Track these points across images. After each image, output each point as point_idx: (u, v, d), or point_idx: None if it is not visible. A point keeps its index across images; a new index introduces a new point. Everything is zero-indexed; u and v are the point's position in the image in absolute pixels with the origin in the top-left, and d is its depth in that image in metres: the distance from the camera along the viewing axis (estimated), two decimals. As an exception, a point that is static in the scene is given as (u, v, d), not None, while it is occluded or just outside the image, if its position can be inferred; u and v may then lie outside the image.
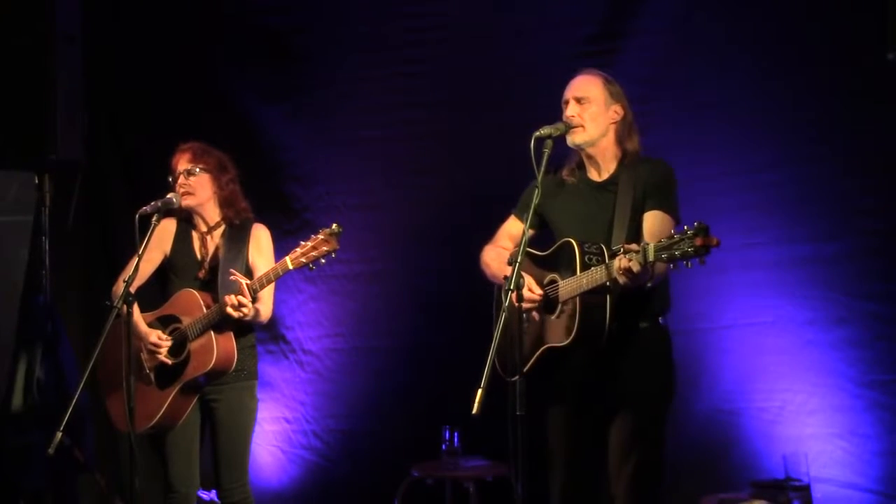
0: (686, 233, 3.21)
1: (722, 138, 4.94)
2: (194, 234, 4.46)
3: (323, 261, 4.07)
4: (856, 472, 4.67)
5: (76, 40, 5.06)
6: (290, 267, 4.07)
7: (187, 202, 4.36)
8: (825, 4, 4.73)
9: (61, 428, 3.76)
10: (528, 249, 3.74)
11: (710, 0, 4.98)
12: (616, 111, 3.78)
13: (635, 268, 3.33)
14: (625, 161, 3.79)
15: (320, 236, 4.05)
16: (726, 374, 4.94)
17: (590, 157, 3.82)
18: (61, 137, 4.89)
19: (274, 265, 4.17)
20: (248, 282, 4.14)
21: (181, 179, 4.36)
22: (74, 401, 3.82)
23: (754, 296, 4.86)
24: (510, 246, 3.97)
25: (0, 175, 5.21)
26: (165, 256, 4.46)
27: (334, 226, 4.05)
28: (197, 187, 4.38)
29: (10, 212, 5.24)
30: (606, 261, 3.52)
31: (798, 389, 4.80)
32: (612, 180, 3.78)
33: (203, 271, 4.40)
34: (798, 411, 4.79)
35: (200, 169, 4.37)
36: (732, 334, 4.92)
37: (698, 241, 3.17)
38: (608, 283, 3.47)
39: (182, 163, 4.39)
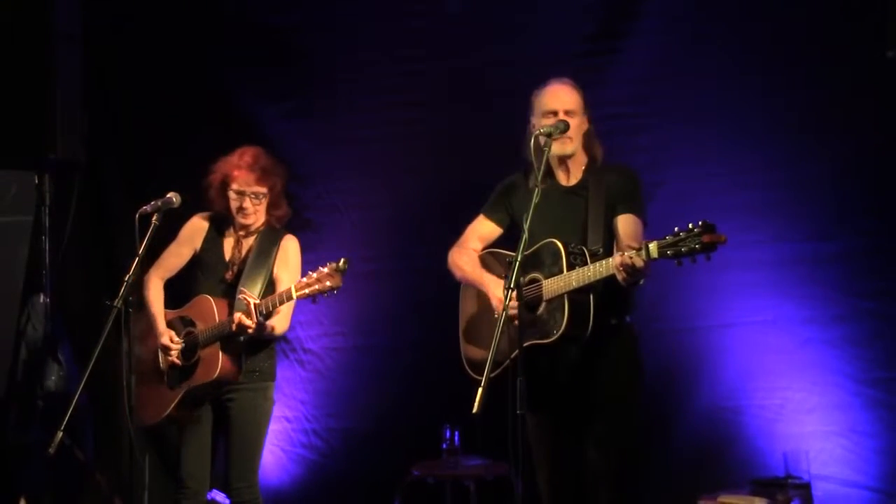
0: (692, 230, 3.26)
1: (721, 137, 4.94)
2: (228, 235, 4.47)
3: (326, 295, 4.04)
4: (855, 470, 4.68)
5: (76, 39, 5.06)
6: (294, 296, 4.06)
7: (247, 222, 4.37)
8: (824, 3, 4.73)
9: (62, 427, 3.77)
10: (502, 251, 3.91)
11: (709, 0, 4.98)
12: (586, 121, 3.89)
13: (639, 263, 3.40)
14: (591, 167, 3.88)
15: (325, 270, 4.01)
16: (726, 372, 4.95)
17: (564, 164, 3.88)
18: (61, 137, 4.89)
19: (280, 291, 4.17)
20: (257, 302, 4.15)
21: (246, 202, 4.34)
22: (75, 400, 3.82)
23: (754, 294, 4.87)
24: (479, 247, 4.05)
25: (1, 175, 5.21)
26: (196, 253, 4.48)
27: (342, 262, 4.01)
28: (260, 211, 4.39)
29: (10, 211, 5.24)
30: (588, 261, 3.62)
31: (798, 387, 4.81)
32: (582, 185, 3.87)
33: (231, 273, 4.40)
34: (798, 409, 4.80)
35: (268, 193, 4.37)
36: (732, 333, 4.93)
37: (705, 239, 3.25)
38: (596, 283, 3.53)
39: (250, 181, 4.34)
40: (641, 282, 3.55)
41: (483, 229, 4.05)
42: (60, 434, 3.77)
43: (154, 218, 4.08)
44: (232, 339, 4.23)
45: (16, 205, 5.21)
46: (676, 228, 3.32)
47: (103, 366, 4.37)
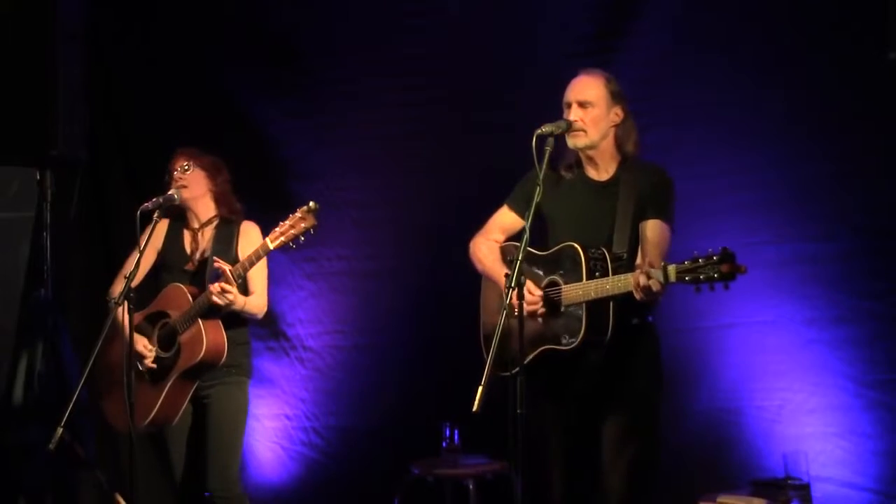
0: (711, 257, 3.23)
1: (722, 137, 4.94)
2: (186, 231, 4.51)
3: (302, 238, 4.06)
4: (855, 472, 4.67)
5: (78, 38, 5.05)
6: (271, 247, 4.10)
7: (182, 195, 4.41)
8: (825, 3, 4.73)
9: (62, 424, 3.77)
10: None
11: (709, 0, 4.97)
12: (616, 113, 3.80)
13: (655, 287, 3.37)
14: (625, 163, 3.81)
15: (298, 214, 4.06)
16: (726, 373, 4.94)
17: (590, 157, 3.83)
18: (63, 134, 4.88)
19: (255, 248, 4.17)
20: (231, 267, 4.16)
21: (176, 174, 4.44)
22: (75, 397, 3.83)
23: (754, 295, 4.85)
24: (502, 238, 3.99)
25: (1, 171, 5.21)
26: (158, 253, 4.51)
27: (311, 203, 4.04)
28: (191, 181, 4.45)
29: (11, 207, 5.24)
30: (609, 266, 3.57)
31: (798, 388, 4.80)
32: (613, 182, 3.80)
33: (192, 264, 4.42)
34: (798, 410, 4.80)
35: (194, 165, 4.45)
36: (732, 333, 4.92)
37: (724, 269, 3.23)
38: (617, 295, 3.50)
39: (178, 161, 4.48)
40: (659, 298, 3.52)
41: (505, 220, 3.99)
42: (60, 430, 3.78)
43: (155, 214, 4.11)
44: (211, 315, 4.23)
45: (17, 201, 5.21)
46: (696, 253, 3.30)
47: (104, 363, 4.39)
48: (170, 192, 4.22)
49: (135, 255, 4.45)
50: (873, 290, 4.66)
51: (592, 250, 3.62)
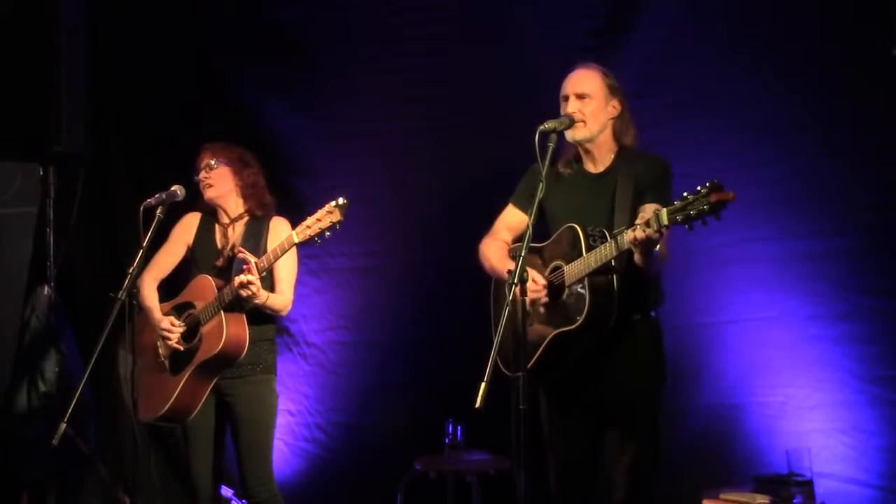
0: (700, 191, 3.24)
1: (725, 133, 4.93)
2: (217, 227, 4.51)
3: (328, 234, 4.03)
4: (859, 468, 4.66)
5: (80, 33, 5.05)
6: (297, 241, 4.07)
7: (208, 194, 4.44)
8: (830, 1, 4.72)
9: (65, 419, 3.77)
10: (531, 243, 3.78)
11: (713, -4, 4.98)
12: (614, 106, 3.82)
13: (648, 234, 3.35)
14: (622, 154, 3.81)
15: (325, 208, 4.03)
16: (729, 369, 4.94)
17: (588, 151, 3.85)
18: (66, 130, 4.88)
19: (281, 241, 4.17)
20: (256, 259, 4.16)
21: (203, 174, 4.44)
22: (78, 392, 3.83)
23: (757, 291, 4.86)
24: (509, 237, 3.99)
25: (5, 167, 5.21)
26: (189, 248, 4.51)
27: (341, 199, 4.01)
28: (216, 179, 4.44)
29: (14, 203, 5.25)
30: (608, 241, 3.55)
31: (801, 385, 4.80)
32: (610, 172, 3.81)
33: (222, 259, 4.42)
34: (801, 406, 4.79)
35: (220, 162, 4.44)
36: (735, 329, 4.92)
37: (713, 198, 3.23)
38: (614, 262, 3.51)
39: (204, 159, 4.47)
40: (658, 247, 3.49)
41: (511, 219, 3.99)
42: (64, 426, 3.78)
43: (158, 210, 4.11)
44: (235, 307, 4.23)
45: (20, 196, 5.23)
46: (685, 192, 3.30)
47: (106, 358, 4.40)
48: (173, 189, 4.21)
49: (165, 249, 4.51)
50: (878, 287, 4.65)
51: (590, 228, 3.64)
